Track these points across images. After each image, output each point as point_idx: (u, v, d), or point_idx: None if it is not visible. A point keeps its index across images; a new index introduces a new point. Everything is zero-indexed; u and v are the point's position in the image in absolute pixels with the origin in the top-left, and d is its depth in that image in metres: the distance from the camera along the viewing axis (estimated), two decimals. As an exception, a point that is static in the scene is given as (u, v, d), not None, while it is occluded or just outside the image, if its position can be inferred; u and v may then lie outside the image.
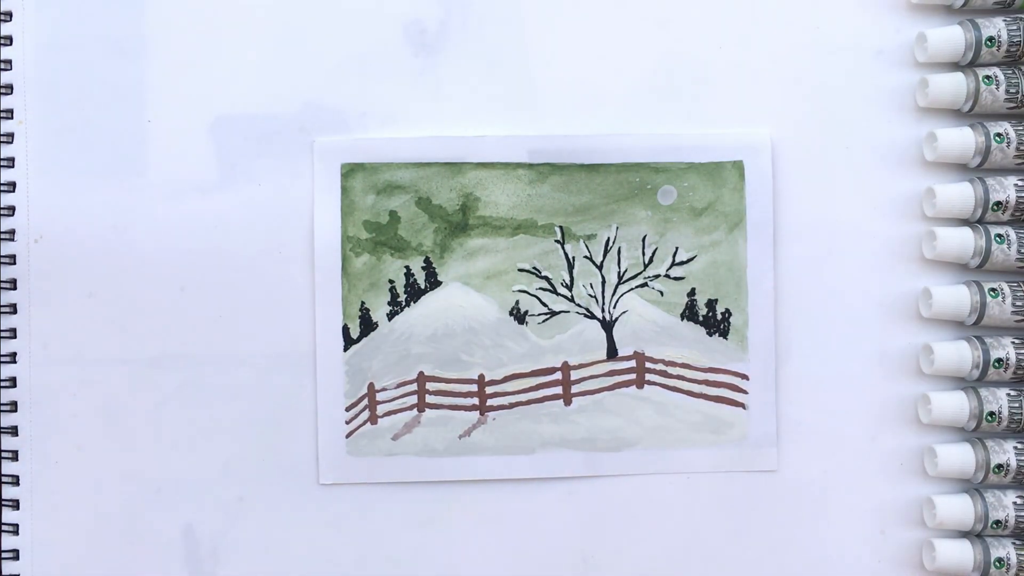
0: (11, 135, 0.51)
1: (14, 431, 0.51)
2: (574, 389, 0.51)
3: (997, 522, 0.50)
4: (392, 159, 0.51)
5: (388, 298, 0.51)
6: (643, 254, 0.52)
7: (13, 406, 0.51)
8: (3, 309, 0.51)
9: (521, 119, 0.52)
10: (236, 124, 0.51)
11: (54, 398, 0.51)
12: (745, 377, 0.51)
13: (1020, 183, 0.50)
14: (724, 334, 0.51)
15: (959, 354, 0.50)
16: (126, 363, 0.51)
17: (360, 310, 0.51)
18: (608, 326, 0.52)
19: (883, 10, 0.52)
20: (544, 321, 0.52)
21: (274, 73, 0.51)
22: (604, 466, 0.51)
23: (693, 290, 0.52)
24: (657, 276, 0.52)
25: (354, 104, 0.51)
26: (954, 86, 0.50)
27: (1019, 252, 0.50)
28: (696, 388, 0.51)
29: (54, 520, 0.51)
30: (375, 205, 0.51)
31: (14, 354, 0.51)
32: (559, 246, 0.52)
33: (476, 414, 0.51)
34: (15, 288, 0.51)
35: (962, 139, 0.50)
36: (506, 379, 0.51)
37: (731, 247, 0.51)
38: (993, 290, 0.50)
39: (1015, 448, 0.50)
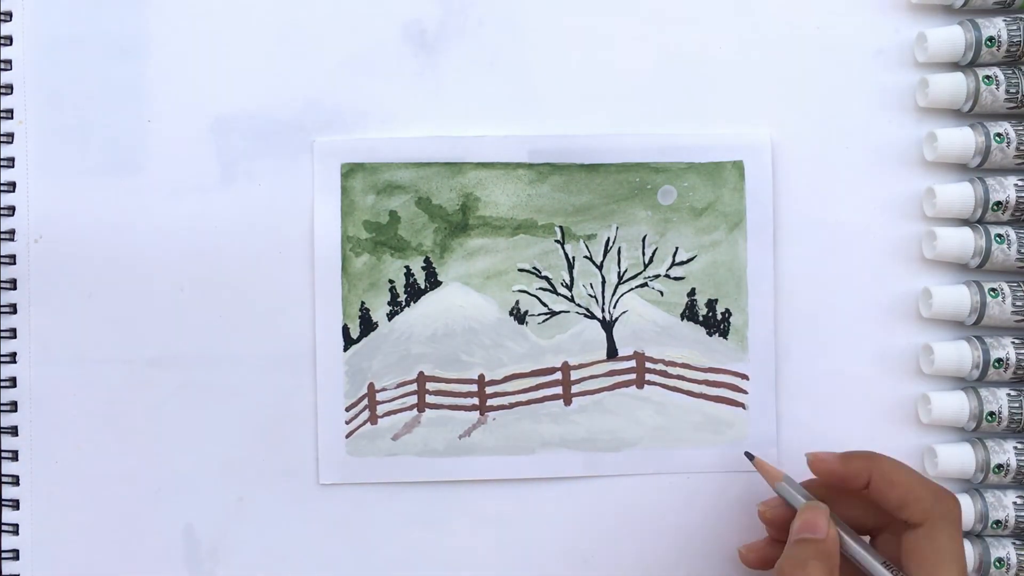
0: (11, 135, 0.51)
1: (14, 431, 0.51)
2: (574, 389, 0.51)
3: (997, 522, 0.50)
4: (392, 159, 0.51)
5: (388, 298, 0.51)
6: (643, 254, 0.52)
7: (13, 406, 0.51)
8: (3, 309, 0.51)
9: (521, 119, 0.51)
10: (236, 124, 0.51)
11: (54, 398, 0.51)
12: (745, 377, 0.51)
13: (1020, 183, 0.50)
14: (724, 334, 0.51)
15: (959, 354, 0.50)
16: (126, 363, 0.51)
17: (360, 310, 0.51)
18: (608, 326, 0.52)
19: (883, 10, 0.52)
20: (544, 321, 0.52)
21: (274, 73, 0.51)
22: (604, 466, 0.51)
23: (693, 290, 0.52)
24: (657, 276, 0.52)
25: (354, 104, 0.51)
26: (954, 86, 0.50)
27: (1019, 252, 0.50)
28: (696, 388, 0.51)
29: (54, 520, 0.51)
30: (375, 205, 0.51)
31: (14, 354, 0.51)
32: (559, 246, 0.52)
33: (476, 414, 0.51)
34: (15, 288, 0.51)
35: (962, 139, 0.50)
36: (506, 379, 0.51)
37: (731, 247, 0.51)
38: (993, 290, 0.50)
39: (1015, 448, 0.50)
